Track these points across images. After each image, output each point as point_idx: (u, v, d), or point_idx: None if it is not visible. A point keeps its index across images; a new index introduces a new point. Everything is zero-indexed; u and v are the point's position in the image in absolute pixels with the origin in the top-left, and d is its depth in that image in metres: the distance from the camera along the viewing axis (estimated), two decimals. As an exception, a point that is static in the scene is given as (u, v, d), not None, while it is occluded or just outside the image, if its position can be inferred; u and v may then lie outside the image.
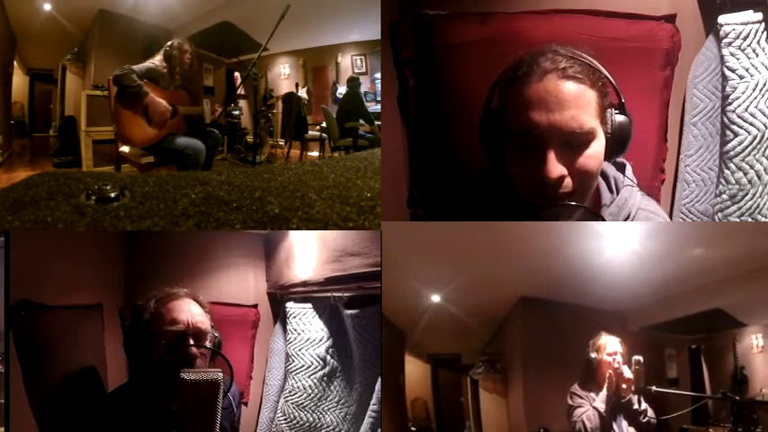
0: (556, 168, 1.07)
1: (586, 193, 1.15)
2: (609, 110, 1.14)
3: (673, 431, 1.84)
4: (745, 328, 1.90)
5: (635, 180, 1.29)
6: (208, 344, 1.29)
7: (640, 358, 1.64)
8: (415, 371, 2.48)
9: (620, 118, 1.15)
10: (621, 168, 1.29)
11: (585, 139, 1.09)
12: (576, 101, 1.07)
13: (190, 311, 1.31)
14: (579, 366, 1.75)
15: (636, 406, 1.63)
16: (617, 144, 1.16)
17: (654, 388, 1.65)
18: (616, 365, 1.65)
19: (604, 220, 1.22)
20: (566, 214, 1.12)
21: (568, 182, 1.10)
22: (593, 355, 1.70)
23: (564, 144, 1.08)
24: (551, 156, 1.07)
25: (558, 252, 1.61)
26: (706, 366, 2.07)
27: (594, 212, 1.15)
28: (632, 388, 1.63)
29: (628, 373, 1.63)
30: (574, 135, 1.07)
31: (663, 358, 2.21)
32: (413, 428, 2.34)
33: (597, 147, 1.11)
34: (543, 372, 2.05)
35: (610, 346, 1.70)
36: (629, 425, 1.65)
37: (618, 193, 1.25)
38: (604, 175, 1.26)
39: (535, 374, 2.11)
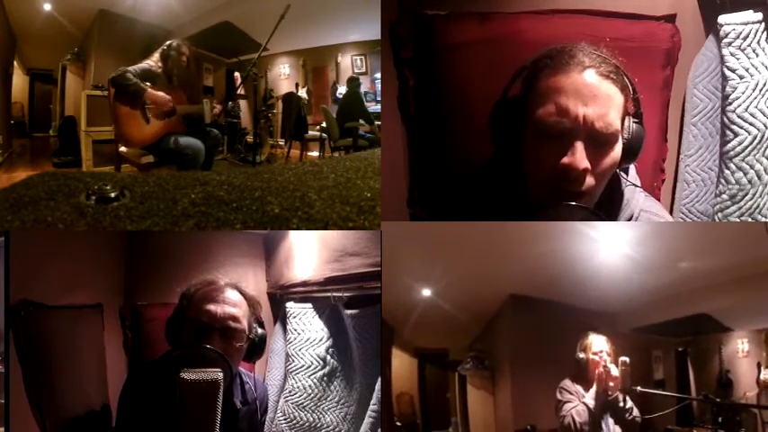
0: (583, 160, 1.06)
1: (594, 194, 1.14)
2: (627, 117, 1.14)
3: (658, 431, 1.86)
4: (731, 333, 1.95)
5: (639, 181, 1.29)
6: (244, 339, 1.24)
7: (627, 359, 1.67)
8: (401, 365, 2.43)
9: (636, 127, 1.15)
10: (625, 169, 1.29)
11: (609, 139, 1.09)
12: (609, 100, 1.08)
13: (223, 304, 1.24)
14: (567, 365, 1.77)
15: (622, 404, 1.66)
16: (629, 152, 1.15)
17: (639, 388, 1.67)
18: (604, 363, 1.69)
19: (606, 221, 1.21)
20: (568, 215, 1.11)
21: (590, 178, 1.09)
22: (581, 355, 1.74)
23: (588, 140, 1.08)
24: (580, 147, 1.06)
25: (553, 252, 1.61)
26: (692, 369, 2.10)
27: (597, 213, 1.14)
28: (619, 386, 1.66)
29: (615, 372, 1.66)
30: (600, 133, 1.07)
31: (650, 360, 2.24)
32: (398, 424, 2.30)
33: (617, 150, 1.12)
34: (531, 369, 2.07)
35: (596, 345, 1.73)
36: (616, 423, 1.68)
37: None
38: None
39: (523, 372, 2.12)
